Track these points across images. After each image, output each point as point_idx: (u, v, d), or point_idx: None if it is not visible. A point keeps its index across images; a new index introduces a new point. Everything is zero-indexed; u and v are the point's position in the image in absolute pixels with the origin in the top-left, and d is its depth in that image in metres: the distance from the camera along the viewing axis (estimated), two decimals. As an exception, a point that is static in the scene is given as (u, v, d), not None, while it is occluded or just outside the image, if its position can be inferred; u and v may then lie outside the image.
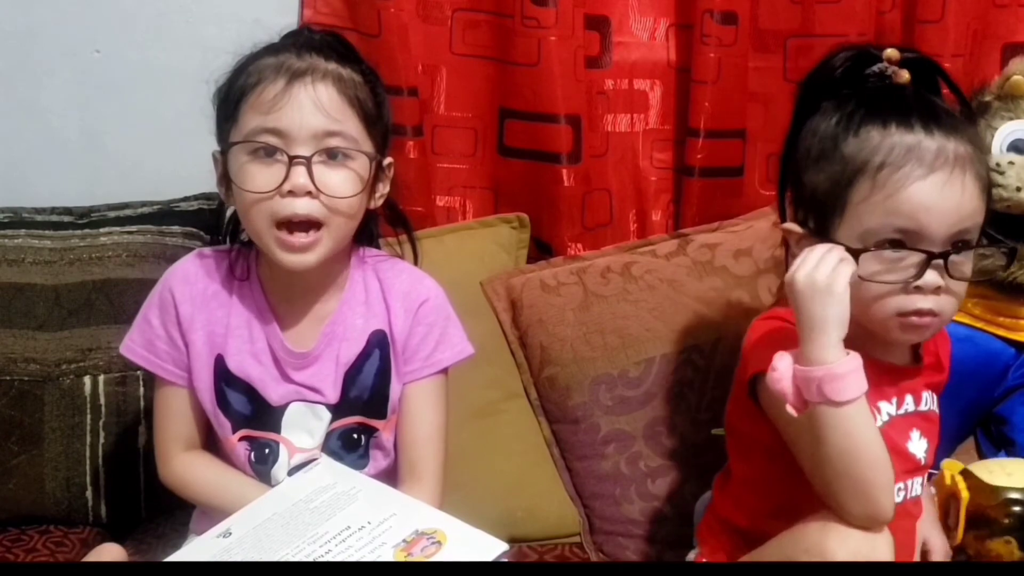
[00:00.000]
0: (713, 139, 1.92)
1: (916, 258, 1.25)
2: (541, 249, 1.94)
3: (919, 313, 1.26)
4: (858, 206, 1.27)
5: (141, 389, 1.72)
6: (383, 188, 1.45)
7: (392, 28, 1.84)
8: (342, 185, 1.36)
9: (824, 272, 1.20)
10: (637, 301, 1.79)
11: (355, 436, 1.48)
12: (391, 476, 1.49)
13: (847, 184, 1.27)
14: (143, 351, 1.47)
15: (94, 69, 1.93)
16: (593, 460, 1.77)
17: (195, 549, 1.35)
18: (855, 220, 1.27)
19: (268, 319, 1.45)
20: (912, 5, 1.91)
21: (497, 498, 1.72)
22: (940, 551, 1.45)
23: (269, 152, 1.34)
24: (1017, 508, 1.43)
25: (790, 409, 1.21)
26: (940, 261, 1.25)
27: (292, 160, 1.33)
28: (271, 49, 1.40)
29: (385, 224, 1.55)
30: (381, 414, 1.48)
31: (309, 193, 1.34)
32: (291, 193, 1.34)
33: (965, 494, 1.44)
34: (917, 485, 1.39)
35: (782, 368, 1.21)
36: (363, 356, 1.46)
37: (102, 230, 1.81)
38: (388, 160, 1.45)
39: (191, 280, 1.46)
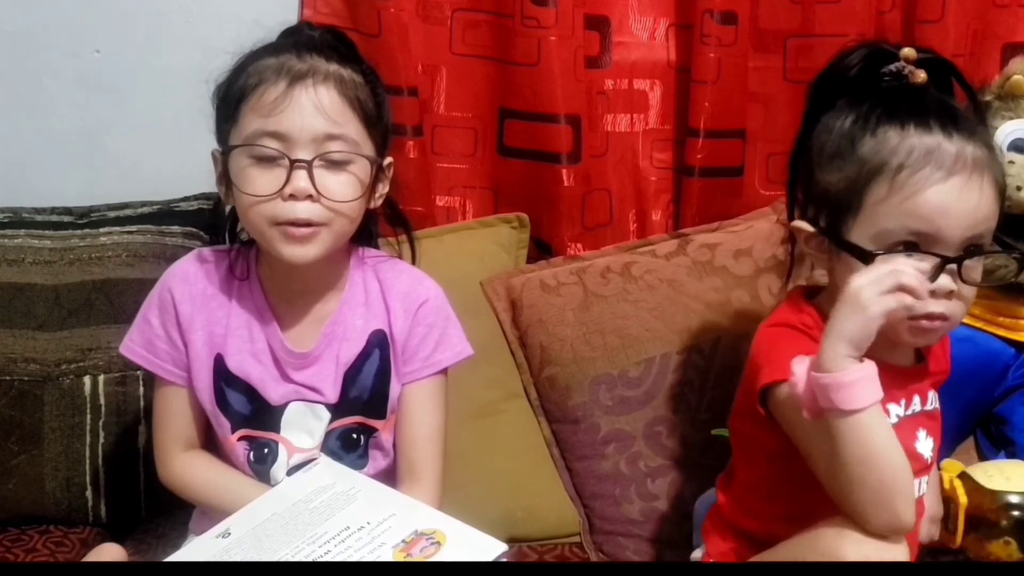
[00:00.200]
0: (713, 139, 1.92)
1: (929, 262, 1.24)
2: (541, 249, 1.94)
3: (930, 317, 1.25)
4: (874, 207, 1.26)
5: (141, 389, 1.72)
6: (383, 188, 1.45)
7: (392, 28, 1.84)
8: (343, 189, 1.36)
9: (873, 291, 1.18)
10: (637, 301, 1.79)
11: (354, 436, 1.48)
12: (390, 476, 1.49)
13: (864, 184, 1.26)
14: (143, 351, 1.47)
15: (94, 69, 1.93)
16: (593, 460, 1.77)
17: (195, 549, 1.35)
18: (870, 221, 1.26)
19: (268, 319, 1.45)
20: (912, 5, 1.91)
21: (497, 498, 1.72)
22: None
23: (270, 156, 1.34)
24: (1015, 512, 1.43)
25: (805, 414, 1.20)
26: (953, 266, 1.24)
27: (293, 164, 1.33)
28: (271, 49, 1.39)
29: (384, 223, 1.55)
30: (381, 414, 1.48)
31: (310, 197, 1.34)
32: (292, 197, 1.34)
33: (963, 499, 1.44)
34: (923, 484, 1.38)
35: (799, 373, 1.20)
36: (363, 356, 1.46)
37: (102, 230, 1.81)
38: (388, 160, 1.45)
39: (191, 280, 1.46)
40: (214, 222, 1.56)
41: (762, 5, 1.93)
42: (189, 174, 1.73)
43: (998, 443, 1.73)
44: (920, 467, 1.37)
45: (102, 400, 1.72)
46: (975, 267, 1.27)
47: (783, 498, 1.37)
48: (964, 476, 1.46)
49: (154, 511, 1.73)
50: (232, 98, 1.37)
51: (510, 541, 1.35)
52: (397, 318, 1.46)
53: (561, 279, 1.82)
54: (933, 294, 1.24)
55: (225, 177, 1.40)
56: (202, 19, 1.91)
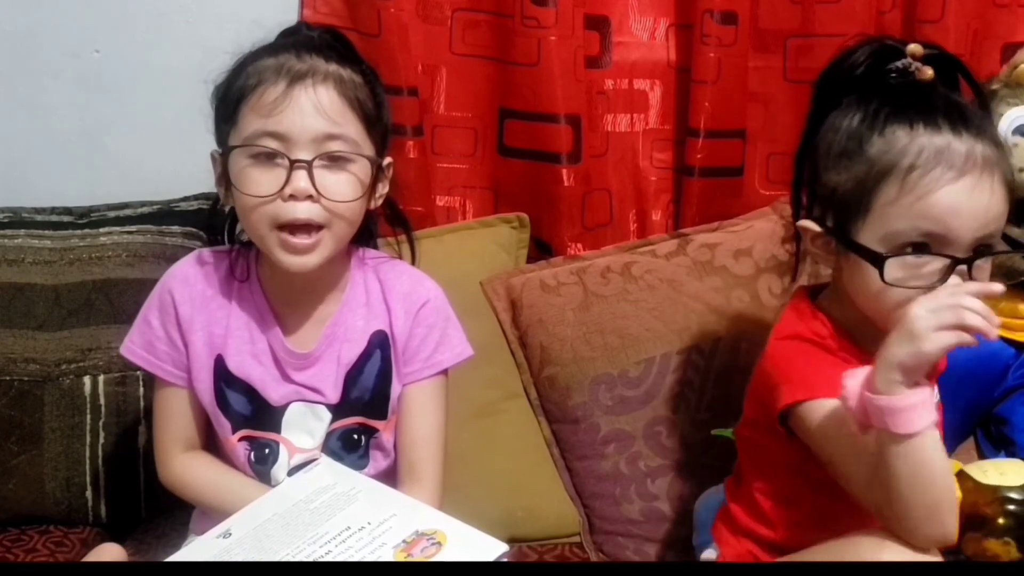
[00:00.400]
0: (713, 139, 1.92)
1: (940, 263, 1.23)
2: (541, 249, 1.94)
3: None
4: (884, 208, 1.25)
5: (141, 389, 1.72)
6: (382, 188, 1.45)
7: (392, 28, 1.84)
8: (343, 189, 1.36)
9: (930, 323, 1.13)
10: (637, 301, 1.79)
11: (355, 436, 1.48)
12: (391, 476, 1.49)
13: (873, 185, 1.25)
14: (143, 352, 1.47)
15: (94, 69, 1.93)
16: (593, 460, 1.77)
17: (195, 549, 1.35)
18: (880, 222, 1.25)
19: (269, 320, 1.45)
20: (912, 5, 1.91)
21: (497, 498, 1.72)
22: None
23: (270, 156, 1.34)
24: (1012, 507, 1.43)
25: (855, 428, 1.19)
26: (963, 266, 1.23)
27: (293, 164, 1.33)
28: (270, 49, 1.39)
29: (384, 224, 1.55)
30: (382, 415, 1.48)
31: (310, 197, 1.33)
32: (292, 197, 1.33)
33: (959, 495, 1.44)
34: None
35: (851, 388, 1.18)
36: (364, 357, 1.46)
37: (102, 230, 1.81)
38: (388, 160, 1.44)
39: (191, 281, 1.46)
40: (211, 223, 1.55)
41: (762, 5, 1.93)
42: (189, 174, 1.73)
43: (998, 443, 1.73)
44: None
45: (102, 400, 1.72)
46: (984, 267, 1.27)
47: (802, 505, 1.37)
48: (961, 474, 1.46)
49: (154, 511, 1.73)
50: (231, 99, 1.37)
51: (510, 541, 1.34)
52: (398, 319, 1.46)
53: (561, 279, 1.82)
54: None
55: (224, 178, 1.39)
56: (202, 19, 1.91)
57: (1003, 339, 1.70)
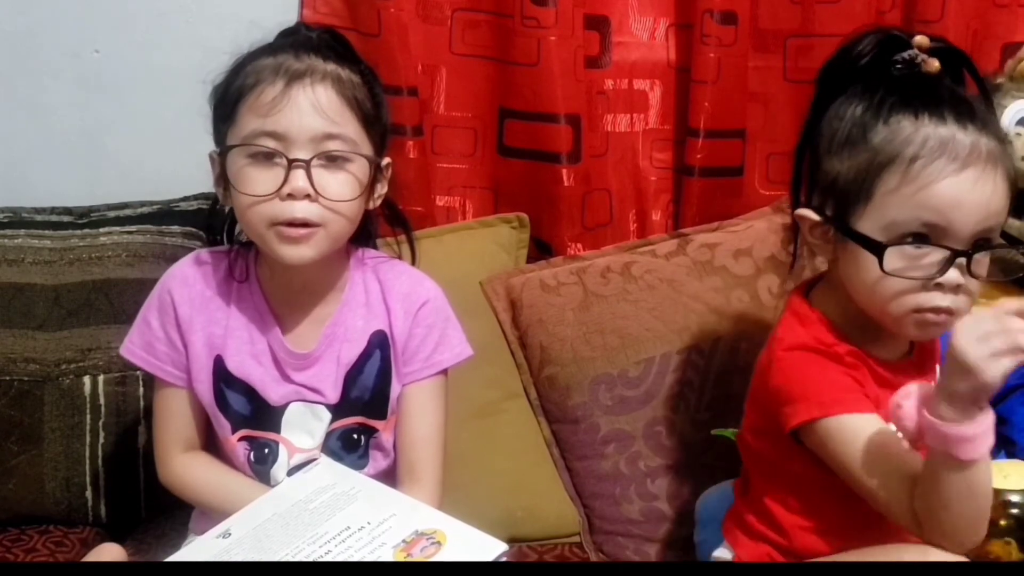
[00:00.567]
0: (713, 139, 1.92)
1: (939, 255, 1.23)
2: (541, 249, 1.94)
3: (936, 311, 1.24)
4: (885, 197, 1.24)
5: (141, 389, 1.72)
6: (381, 188, 1.45)
7: (392, 28, 1.84)
8: (341, 188, 1.36)
9: (983, 352, 1.10)
10: (637, 301, 1.79)
11: (355, 436, 1.48)
12: (391, 476, 1.49)
13: (876, 174, 1.25)
14: (142, 352, 1.47)
15: (94, 69, 1.93)
16: (593, 460, 1.77)
17: (195, 549, 1.34)
18: (881, 211, 1.25)
19: (268, 320, 1.45)
20: (912, 5, 1.91)
21: (497, 498, 1.72)
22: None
23: (268, 155, 1.34)
24: (1014, 510, 1.42)
25: (905, 443, 1.19)
26: (963, 259, 1.23)
27: (291, 163, 1.33)
28: (268, 49, 1.39)
29: (384, 224, 1.55)
30: (381, 415, 1.48)
31: (308, 196, 1.33)
32: (290, 196, 1.33)
33: None
34: None
35: (907, 409, 1.18)
36: (364, 357, 1.46)
37: (102, 230, 1.81)
38: (386, 160, 1.44)
39: (190, 282, 1.46)
40: (210, 223, 1.55)
41: (762, 5, 1.93)
42: (189, 174, 1.73)
43: (998, 443, 1.72)
44: None
45: (102, 400, 1.72)
46: (983, 261, 1.26)
47: (815, 514, 1.36)
48: None
49: (154, 511, 1.73)
50: (229, 99, 1.37)
51: (510, 541, 1.34)
52: (397, 319, 1.46)
53: (561, 279, 1.82)
54: (941, 287, 1.23)
55: (223, 178, 1.39)
56: (202, 19, 1.91)
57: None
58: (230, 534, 1.32)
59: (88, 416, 1.72)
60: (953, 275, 1.23)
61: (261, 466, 1.46)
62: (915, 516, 1.20)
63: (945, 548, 1.20)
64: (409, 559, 1.22)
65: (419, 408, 1.48)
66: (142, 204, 1.87)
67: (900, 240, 1.24)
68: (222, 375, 1.44)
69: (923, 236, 1.23)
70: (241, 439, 1.46)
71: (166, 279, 1.48)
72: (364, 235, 1.50)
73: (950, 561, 1.21)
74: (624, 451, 1.75)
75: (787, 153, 1.40)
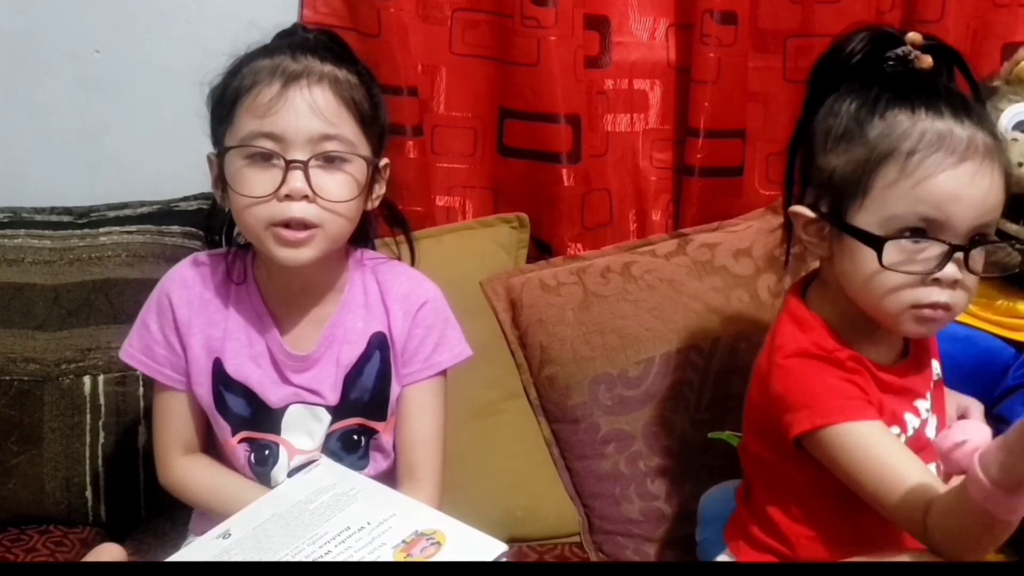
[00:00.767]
0: (713, 139, 1.92)
1: (937, 250, 1.22)
2: (541, 249, 1.94)
3: (934, 307, 1.24)
4: (883, 191, 1.24)
5: (141, 389, 1.72)
6: (379, 189, 1.44)
7: (392, 28, 1.84)
8: (339, 189, 1.35)
9: None
10: (637, 301, 1.79)
11: (355, 437, 1.48)
12: (391, 477, 1.49)
13: (873, 168, 1.24)
14: (141, 356, 1.47)
15: (94, 69, 1.93)
16: (593, 460, 1.77)
17: (195, 549, 1.34)
18: (878, 205, 1.24)
19: (266, 322, 1.45)
20: (912, 5, 1.91)
21: (497, 498, 1.72)
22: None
23: (265, 156, 1.33)
24: None
25: (941, 475, 1.17)
26: (960, 254, 1.22)
27: (289, 164, 1.33)
28: (265, 50, 1.39)
29: (383, 224, 1.55)
30: (381, 416, 1.48)
31: (306, 197, 1.33)
32: (288, 197, 1.33)
33: None
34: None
35: (960, 453, 1.10)
36: (363, 358, 1.46)
37: (101, 230, 1.81)
38: (384, 161, 1.44)
39: (188, 285, 1.46)
40: (209, 224, 1.55)
41: (762, 5, 1.93)
42: (189, 174, 1.73)
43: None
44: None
45: (102, 400, 1.72)
46: (979, 257, 1.26)
47: (819, 523, 1.35)
48: None
49: (154, 511, 1.73)
50: (227, 100, 1.37)
51: (510, 541, 1.34)
52: (396, 320, 1.46)
53: (561, 279, 1.82)
54: (938, 283, 1.23)
55: (221, 179, 1.39)
56: (202, 19, 1.91)
57: (1003, 339, 1.70)
58: (230, 534, 1.31)
59: (88, 416, 1.72)
60: (951, 270, 1.22)
61: (261, 468, 1.46)
62: (924, 526, 1.19)
63: (945, 558, 1.19)
64: (409, 559, 1.22)
65: (419, 409, 1.48)
66: (142, 204, 1.87)
67: (898, 235, 1.23)
68: (221, 378, 1.44)
69: (921, 231, 1.23)
70: (241, 441, 1.46)
71: (164, 282, 1.48)
72: (362, 236, 1.50)
73: (950, 561, 1.21)
74: (624, 451, 1.75)
75: (786, 153, 1.40)
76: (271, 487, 1.44)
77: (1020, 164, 1.63)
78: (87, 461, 1.72)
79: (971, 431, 1.11)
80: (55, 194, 1.91)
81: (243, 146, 1.34)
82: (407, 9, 1.86)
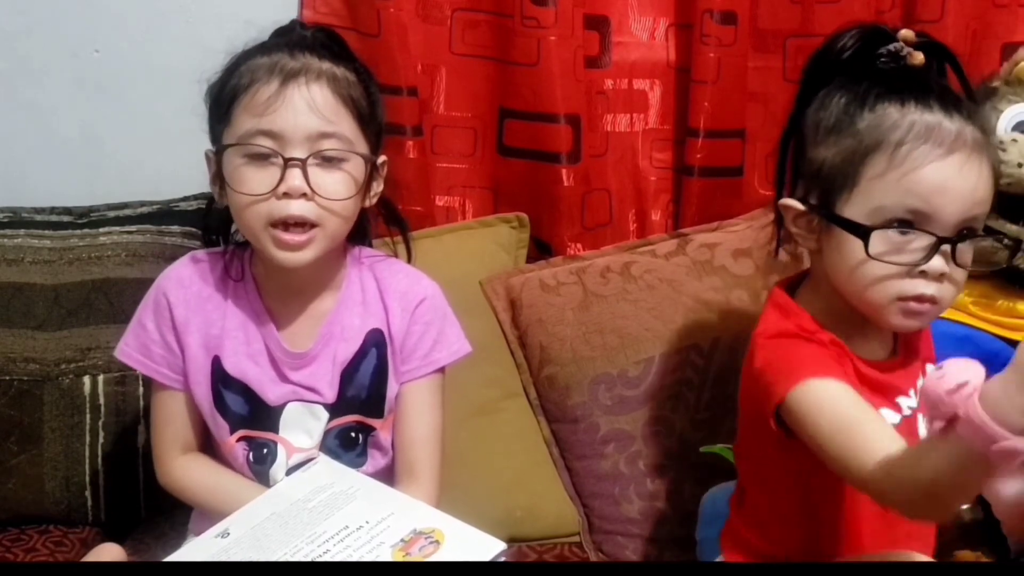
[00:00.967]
0: (713, 139, 1.92)
1: (924, 242, 1.22)
2: (541, 249, 1.94)
3: (920, 299, 1.24)
4: (871, 182, 1.24)
5: (140, 389, 1.72)
6: (377, 187, 1.45)
7: (392, 28, 1.84)
8: (337, 187, 1.36)
9: None
10: (636, 301, 1.79)
11: (353, 435, 1.48)
12: (389, 475, 1.49)
13: (861, 159, 1.24)
14: (138, 355, 1.47)
15: (93, 69, 1.93)
16: (592, 460, 1.77)
17: (193, 549, 1.35)
18: (866, 197, 1.24)
19: (264, 320, 1.45)
20: (912, 5, 1.91)
21: (496, 497, 1.72)
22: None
23: (263, 155, 1.34)
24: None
25: (934, 426, 1.04)
26: (947, 247, 1.22)
27: (287, 162, 1.33)
28: (263, 48, 1.39)
29: (382, 224, 1.55)
30: (379, 413, 1.48)
31: (304, 195, 1.33)
32: (286, 195, 1.33)
33: None
34: None
35: (964, 395, 0.99)
36: (360, 355, 1.46)
37: (101, 230, 1.81)
38: (382, 159, 1.44)
39: (185, 283, 1.46)
40: (206, 223, 1.56)
41: (762, 5, 1.93)
42: (188, 174, 1.73)
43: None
44: None
45: (101, 400, 1.72)
46: (967, 250, 1.26)
47: (816, 523, 1.35)
48: None
49: (153, 511, 1.73)
50: (225, 98, 1.37)
51: (510, 541, 1.34)
52: (395, 317, 1.46)
53: (561, 279, 1.82)
54: (925, 275, 1.23)
55: (219, 177, 1.40)
56: (201, 19, 1.91)
57: (1003, 339, 1.70)
58: (228, 534, 1.32)
59: (88, 416, 1.72)
60: (938, 263, 1.22)
61: (260, 466, 1.46)
62: (890, 483, 1.12)
63: (910, 517, 1.18)
64: (408, 558, 1.22)
65: (417, 406, 1.48)
66: (142, 204, 1.87)
67: (885, 226, 1.23)
68: (220, 376, 1.44)
69: (908, 222, 1.23)
70: (239, 440, 1.46)
71: (161, 281, 1.48)
72: (360, 233, 1.50)
73: (950, 562, 1.21)
74: (624, 451, 1.75)
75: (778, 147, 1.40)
76: (270, 486, 1.44)
77: (1020, 165, 1.63)
78: (87, 461, 1.72)
79: (970, 372, 1.03)
80: (55, 194, 1.91)
81: (241, 144, 1.35)
82: (407, 9, 1.86)
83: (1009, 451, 0.95)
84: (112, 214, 1.85)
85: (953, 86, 1.32)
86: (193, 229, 1.82)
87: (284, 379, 1.45)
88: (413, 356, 1.47)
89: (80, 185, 1.94)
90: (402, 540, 1.25)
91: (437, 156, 1.96)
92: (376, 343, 1.46)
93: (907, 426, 1.34)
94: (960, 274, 1.26)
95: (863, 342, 1.31)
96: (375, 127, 1.42)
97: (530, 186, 1.93)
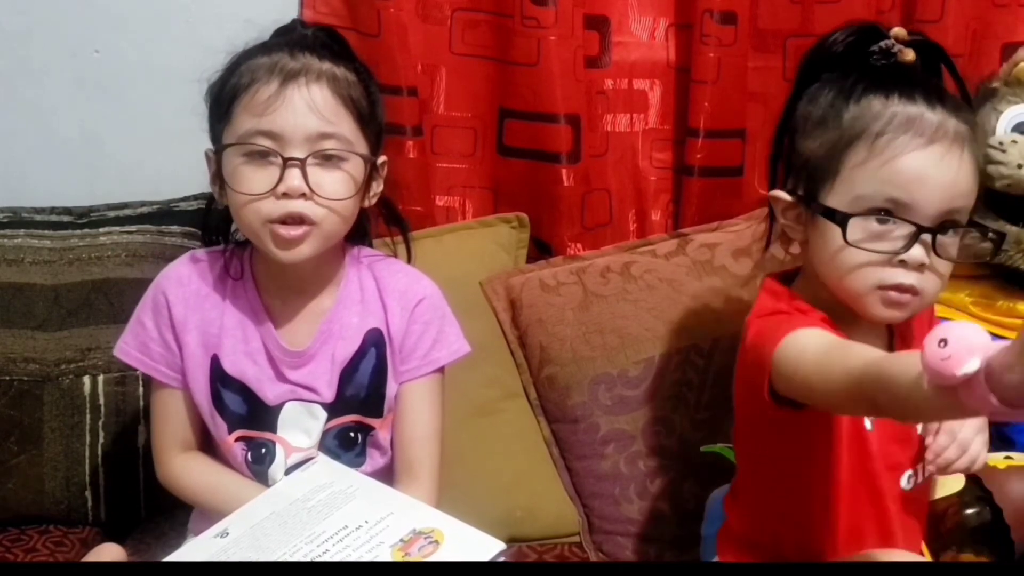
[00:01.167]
0: (712, 139, 1.92)
1: (904, 231, 1.23)
2: (541, 249, 1.94)
3: (899, 288, 1.24)
4: (852, 171, 1.25)
5: (140, 389, 1.72)
6: (377, 187, 1.45)
7: (392, 28, 1.84)
8: (336, 187, 1.36)
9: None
10: (636, 301, 1.79)
11: (352, 435, 1.48)
12: (388, 474, 1.49)
13: (843, 149, 1.26)
14: (137, 353, 1.47)
15: (93, 69, 1.93)
16: (592, 460, 1.77)
17: (192, 549, 1.35)
18: (847, 185, 1.26)
19: (262, 318, 1.45)
20: (912, 5, 1.91)
21: (496, 497, 1.72)
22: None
23: (263, 154, 1.34)
24: (954, 515, 1.43)
25: (926, 383, 0.95)
26: (928, 238, 1.23)
27: (286, 162, 1.33)
28: (263, 48, 1.39)
29: (382, 223, 1.55)
30: (378, 413, 1.48)
31: (303, 195, 1.33)
32: (285, 195, 1.33)
33: None
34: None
35: (966, 350, 0.91)
36: (359, 355, 1.46)
37: (101, 230, 1.81)
38: (382, 159, 1.44)
39: (184, 282, 1.46)
40: (205, 222, 1.56)
41: (762, 5, 1.93)
42: (188, 174, 1.73)
43: (998, 443, 1.72)
44: (923, 449, 1.37)
45: (101, 400, 1.72)
46: (951, 243, 1.26)
47: (804, 508, 1.35)
48: None
49: (153, 511, 1.73)
50: (225, 97, 1.37)
51: (510, 541, 1.34)
52: (394, 316, 1.46)
53: (561, 279, 1.82)
54: (904, 264, 1.23)
55: (218, 176, 1.40)
56: (201, 19, 1.91)
57: (1002, 339, 1.70)
58: (227, 533, 1.32)
59: (88, 416, 1.72)
60: (917, 252, 1.23)
61: (259, 466, 1.46)
62: (873, 401, 1.07)
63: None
64: (407, 558, 1.22)
65: (416, 406, 1.48)
66: (142, 204, 1.87)
67: (866, 215, 1.24)
68: (218, 375, 1.44)
69: (888, 212, 1.24)
70: (238, 439, 1.46)
71: (160, 280, 1.48)
72: (360, 233, 1.50)
73: (950, 562, 1.21)
74: (624, 451, 1.75)
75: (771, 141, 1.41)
76: (269, 485, 1.44)
77: (1020, 166, 1.63)
78: (87, 461, 1.72)
79: (975, 343, 0.92)
80: (55, 194, 1.90)
81: (241, 144, 1.35)
82: (407, 9, 1.86)
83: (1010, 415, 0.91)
84: (112, 214, 1.85)
85: (949, 86, 1.33)
86: (193, 229, 1.82)
87: (282, 378, 1.45)
88: (412, 356, 1.47)
89: (80, 185, 1.94)
90: (401, 540, 1.25)
91: (437, 156, 1.96)
92: (375, 342, 1.46)
93: None
94: (943, 266, 1.26)
95: (857, 336, 1.31)
96: (375, 127, 1.42)
97: (530, 186, 1.93)
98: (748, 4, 1.89)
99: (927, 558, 1.39)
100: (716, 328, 1.77)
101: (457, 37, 1.92)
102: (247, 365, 1.44)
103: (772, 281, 1.39)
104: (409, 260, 1.55)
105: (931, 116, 1.24)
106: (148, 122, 1.94)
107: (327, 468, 1.42)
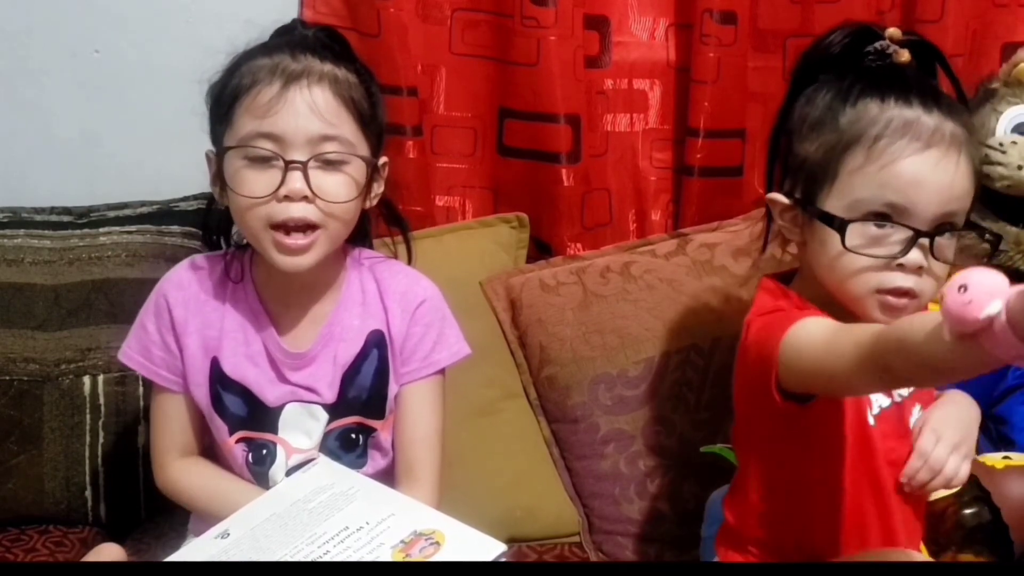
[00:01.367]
0: (712, 139, 1.92)
1: (902, 235, 1.24)
2: (541, 249, 1.94)
3: (897, 292, 1.25)
4: (850, 175, 1.26)
5: (140, 389, 1.72)
6: (378, 188, 1.45)
7: (392, 28, 1.84)
8: (338, 190, 1.35)
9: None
10: (636, 301, 1.79)
11: (353, 436, 1.48)
12: (389, 476, 1.48)
13: (841, 153, 1.26)
14: (139, 357, 1.47)
15: (93, 69, 1.93)
16: (592, 460, 1.77)
17: (193, 549, 1.35)
18: (845, 190, 1.26)
19: (263, 321, 1.45)
20: (912, 5, 1.91)
21: (496, 498, 1.72)
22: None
23: (265, 157, 1.34)
24: (952, 515, 1.43)
25: (947, 334, 0.94)
26: (925, 241, 1.24)
27: (288, 165, 1.33)
28: (264, 49, 1.39)
29: (382, 224, 1.55)
30: (379, 414, 1.48)
31: (305, 198, 1.33)
32: (287, 198, 1.33)
33: None
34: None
35: (985, 297, 0.89)
36: (361, 356, 1.45)
37: (101, 230, 1.81)
38: (383, 160, 1.44)
39: (185, 285, 1.46)
40: (206, 223, 1.56)
41: (762, 5, 1.93)
42: (188, 174, 1.73)
43: (997, 443, 1.73)
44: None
45: (101, 400, 1.72)
46: (948, 245, 1.26)
47: (803, 505, 1.35)
48: None
49: (153, 511, 1.73)
50: (226, 99, 1.37)
51: (510, 541, 1.34)
52: (395, 318, 1.46)
53: (561, 279, 1.82)
54: (902, 268, 1.24)
55: (219, 178, 1.39)
56: (202, 19, 1.91)
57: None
58: (228, 534, 1.32)
59: (88, 416, 1.72)
60: (915, 256, 1.23)
61: (259, 467, 1.46)
62: (885, 364, 1.07)
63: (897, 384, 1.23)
64: (408, 559, 1.22)
65: (417, 408, 1.48)
66: (142, 204, 1.87)
67: (864, 220, 1.24)
68: (218, 377, 1.44)
69: (886, 216, 1.24)
70: (239, 441, 1.46)
71: (162, 283, 1.48)
72: (360, 234, 1.50)
73: (950, 562, 1.21)
74: (624, 451, 1.75)
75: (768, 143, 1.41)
76: (269, 487, 1.44)
77: (1020, 167, 1.63)
78: (87, 461, 1.72)
79: (995, 288, 0.90)
80: (55, 194, 1.90)
81: (242, 146, 1.34)
82: (407, 9, 1.86)
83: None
84: (112, 214, 1.85)
85: (945, 86, 1.34)
86: (193, 229, 1.82)
87: (283, 380, 1.45)
88: (413, 357, 1.47)
89: (80, 185, 1.94)
90: (402, 541, 1.25)
91: (437, 156, 1.96)
92: (377, 344, 1.46)
93: (897, 412, 1.36)
94: (940, 268, 1.26)
95: None
96: (376, 128, 1.42)
97: (530, 186, 1.93)
98: (748, 4, 1.90)
99: (927, 557, 1.40)
100: (716, 328, 1.77)
101: (457, 37, 1.92)
102: (247, 367, 1.44)
103: (770, 281, 1.39)
104: (410, 260, 1.54)
105: (928, 120, 1.25)
106: (148, 122, 1.94)
107: (328, 469, 1.42)
